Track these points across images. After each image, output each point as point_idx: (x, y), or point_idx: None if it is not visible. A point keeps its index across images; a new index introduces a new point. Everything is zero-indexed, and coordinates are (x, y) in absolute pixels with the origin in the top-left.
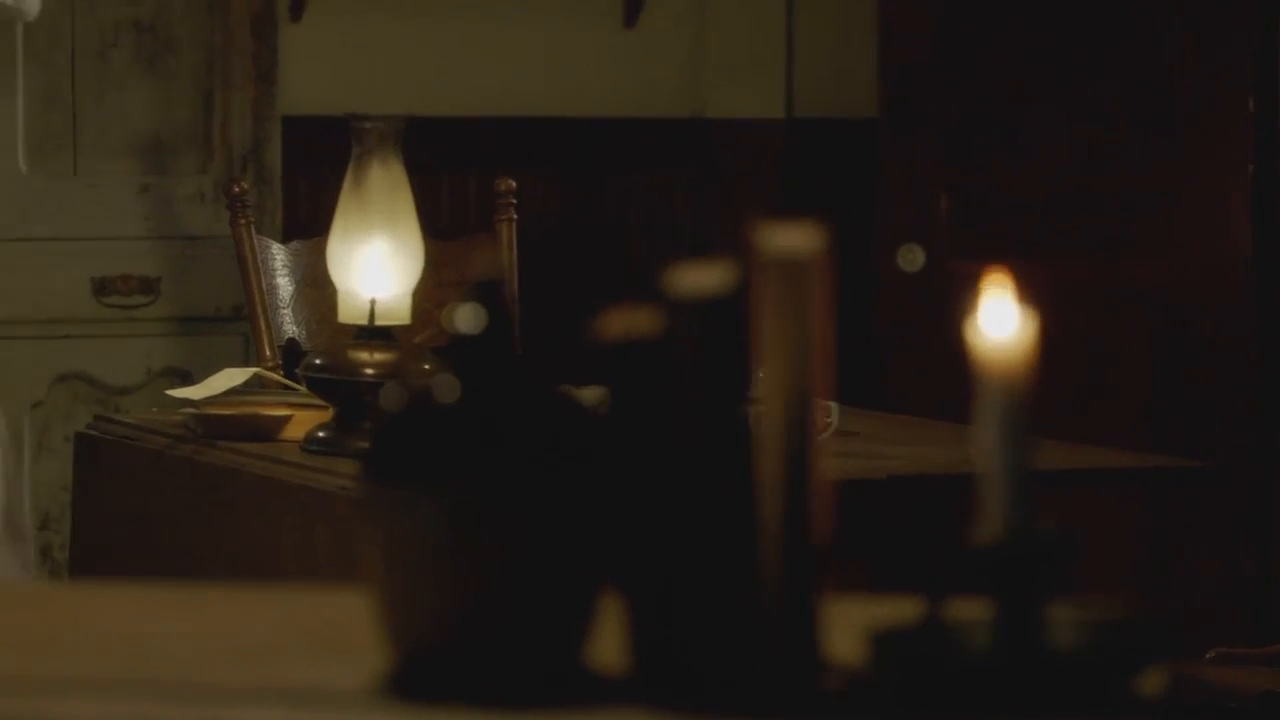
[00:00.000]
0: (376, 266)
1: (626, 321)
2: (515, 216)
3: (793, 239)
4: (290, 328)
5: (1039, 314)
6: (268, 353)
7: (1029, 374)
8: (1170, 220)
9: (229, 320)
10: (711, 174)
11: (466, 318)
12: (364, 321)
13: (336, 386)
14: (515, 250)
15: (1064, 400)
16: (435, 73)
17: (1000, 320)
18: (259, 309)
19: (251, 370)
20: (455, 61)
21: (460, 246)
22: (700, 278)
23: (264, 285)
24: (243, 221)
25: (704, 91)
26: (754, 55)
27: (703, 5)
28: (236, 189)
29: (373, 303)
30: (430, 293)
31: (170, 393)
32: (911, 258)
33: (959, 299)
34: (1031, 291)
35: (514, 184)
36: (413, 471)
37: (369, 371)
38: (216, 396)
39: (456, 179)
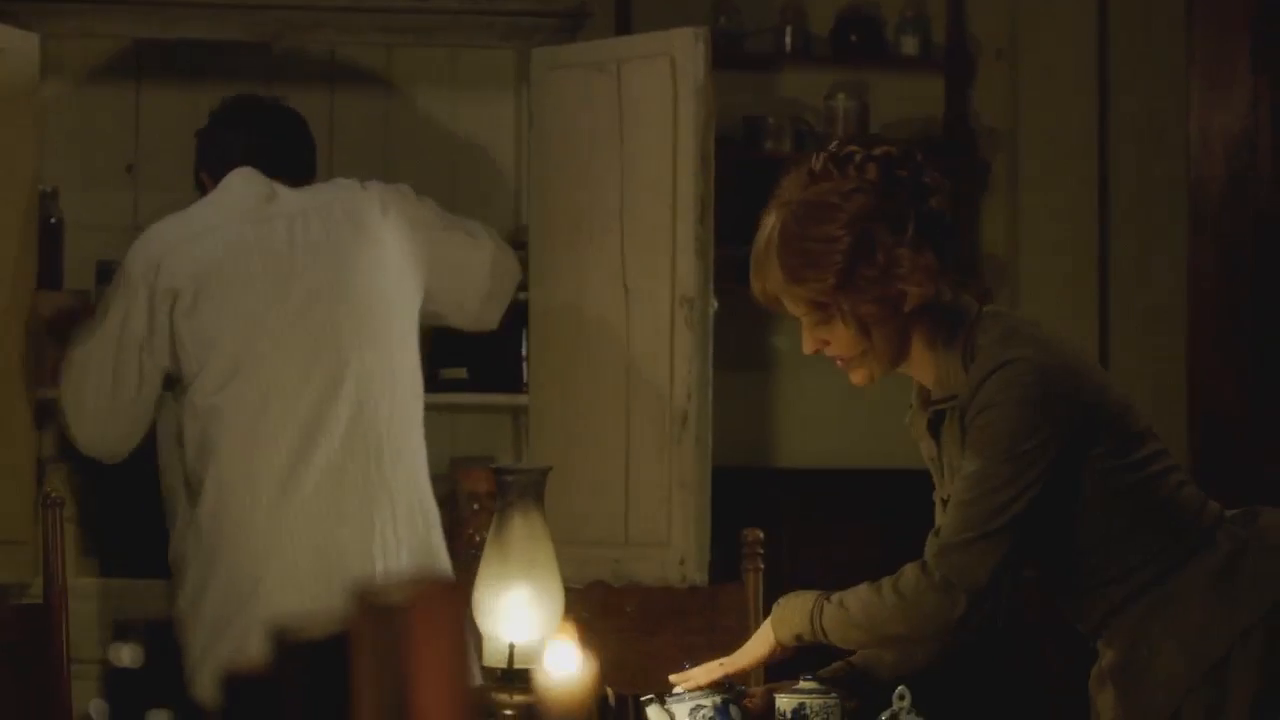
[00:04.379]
0: (515, 612)
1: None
2: (761, 566)
3: (393, 590)
4: None
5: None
6: None
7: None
8: None
9: None
10: None
11: (126, 655)
12: (504, 664)
13: None
14: (760, 598)
15: None
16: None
17: (562, 663)
18: None
19: None
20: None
21: (707, 594)
22: (308, 623)
23: None
24: None
25: None
26: None
27: None
28: None
29: (512, 646)
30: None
31: None
32: None
33: None
34: None
35: (760, 534)
36: None
37: (508, 713)
38: None
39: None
